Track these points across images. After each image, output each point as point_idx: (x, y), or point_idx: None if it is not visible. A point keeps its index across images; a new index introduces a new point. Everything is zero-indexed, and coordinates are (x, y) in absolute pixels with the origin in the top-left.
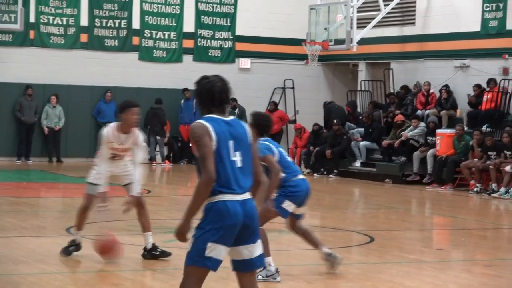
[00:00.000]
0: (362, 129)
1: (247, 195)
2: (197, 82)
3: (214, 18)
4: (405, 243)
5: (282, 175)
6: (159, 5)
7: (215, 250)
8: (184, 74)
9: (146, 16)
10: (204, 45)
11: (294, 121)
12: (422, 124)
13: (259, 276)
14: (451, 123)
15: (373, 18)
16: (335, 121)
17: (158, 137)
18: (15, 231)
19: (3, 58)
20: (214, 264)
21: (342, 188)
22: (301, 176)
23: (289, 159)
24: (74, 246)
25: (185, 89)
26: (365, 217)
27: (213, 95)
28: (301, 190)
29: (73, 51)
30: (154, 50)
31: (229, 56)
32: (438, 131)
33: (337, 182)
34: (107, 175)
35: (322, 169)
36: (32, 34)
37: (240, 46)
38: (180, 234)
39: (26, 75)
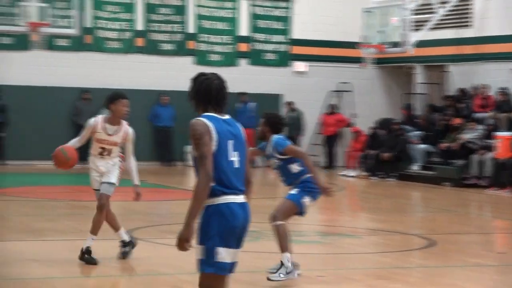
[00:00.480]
0: (419, 132)
1: (244, 197)
2: (194, 79)
3: (269, 21)
4: (466, 246)
5: (298, 168)
6: (214, 9)
7: (225, 254)
8: (240, 78)
9: (201, 20)
10: (259, 48)
11: (351, 125)
12: (480, 127)
13: (280, 275)
14: (510, 125)
15: (429, 21)
16: (395, 120)
17: None
18: (75, 234)
19: (60, 63)
20: (226, 268)
21: (401, 192)
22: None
23: None
24: (127, 245)
25: (242, 93)
26: (424, 220)
27: (210, 92)
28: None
29: (129, 56)
30: (209, 54)
31: (284, 59)
32: (497, 134)
33: (395, 185)
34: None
35: (380, 173)
36: (88, 38)
37: (295, 50)
38: (183, 241)
39: (82, 79)
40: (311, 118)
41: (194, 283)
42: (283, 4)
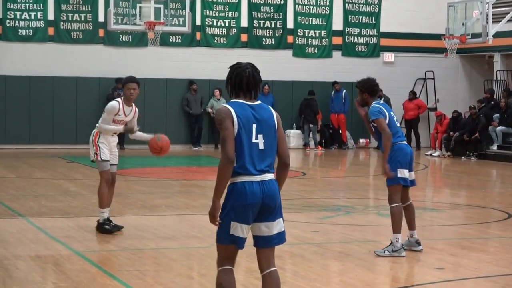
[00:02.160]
0: (498, 115)
1: (267, 176)
2: (230, 67)
3: (360, 16)
4: None
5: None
6: (311, 7)
7: (238, 228)
8: (334, 68)
9: (299, 17)
10: (352, 41)
11: (435, 109)
12: None
13: (385, 251)
14: None
15: (508, 13)
16: (472, 105)
17: (311, 125)
18: (187, 210)
19: (173, 57)
20: (239, 241)
21: (480, 169)
22: (404, 142)
23: (398, 124)
24: (108, 223)
25: (335, 82)
26: (502, 195)
27: (241, 80)
28: (406, 153)
29: (235, 50)
30: (307, 47)
31: (375, 51)
32: None
33: (475, 164)
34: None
35: (468, 152)
36: (198, 35)
37: (384, 42)
38: (210, 216)
39: (194, 72)
40: (398, 104)
41: (291, 253)
42: (374, 1)
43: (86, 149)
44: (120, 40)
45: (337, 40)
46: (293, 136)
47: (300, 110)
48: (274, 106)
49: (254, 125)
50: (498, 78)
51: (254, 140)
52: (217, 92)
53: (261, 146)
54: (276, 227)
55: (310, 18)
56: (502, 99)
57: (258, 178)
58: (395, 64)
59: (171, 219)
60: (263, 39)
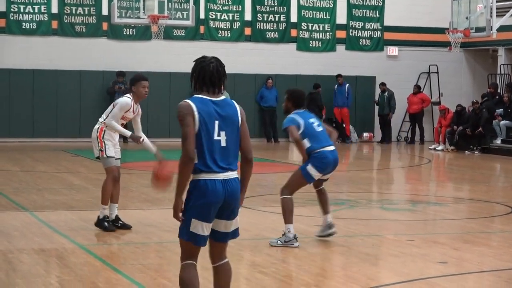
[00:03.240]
0: (502, 109)
1: (230, 174)
2: (194, 61)
3: (364, 10)
4: None
5: (307, 145)
6: (314, 0)
7: (198, 226)
8: (337, 62)
9: (303, 10)
10: (355, 35)
11: (438, 103)
12: None
13: (278, 242)
14: None
15: (511, 7)
16: (474, 100)
17: None
18: None
19: (177, 51)
20: (199, 239)
21: (484, 164)
22: (329, 148)
23: (320, 129)
24: (108, 220)
25: (339, 75)
26: (506, 189)
27: (204, 74)
28: (328, 161)
29: (238, 43)
30: (310, 41)
31: (378, 44)
32: None
33: (479, 158)
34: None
35: (471, 146)
36: (202, 29)
37: (388, 36)
38: (173, 212)
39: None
40: (402, 98)
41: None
42: None
43: (90, 142)
44: (124, 33)
45: (341, 34)
46: None
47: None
48: (278, 100)
49: (217, 122)
50: (502, 72)
51: (216, 137)
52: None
53: (223, 143)
54: (233, 225)
55: (314, 12)
56: (505, 93)
57: (221, 176)
58: (399, 58)
59: None
60: (267, 32)
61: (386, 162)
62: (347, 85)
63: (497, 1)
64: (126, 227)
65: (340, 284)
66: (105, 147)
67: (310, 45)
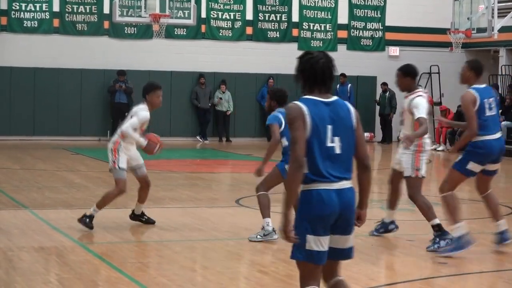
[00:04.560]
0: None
1: (345, 183)
2: (300, 57)
3: (366, 10)
4: None
5: (285, 143)
6: (316, 0)
7: (315, 242)
8: (339, 62)
9: (305, 10)
10: (357, 35)
11: (439, 103)
12: None
13: (258, 236)
14: None
15: None
16: None
17: None
18: (191, 202)
19: (178, 50)
20: (318, 257)
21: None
22: None
23: None
24: (89, 218)
25: (342, 75)
26: (506, 190)
27: (315, 72)
28: None
29: (240, 43)
30: (312, 41)
31: (380, 45)
32: None
33: None
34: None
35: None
36: (203, 28)
37: (389, 36)
38: (283, 233)
39: (198, 64)
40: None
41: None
42: None
43: (91, 140)
44: (125, 32)
45: (342, 34)
46: None
47: None
48: None
49: (330, 126)
50: (503, 73)
51: (329, 144)
52: (222, 86)
53: (338, 150)
54: (349, 241)
55: (316, 12)
56: (507, 94)
57: (336, 185)
58: (400, 58)
59: (175, 212)
60: (268, 32)
61: (386, 162)
62: (350, 85)
63: (498, 2)
64: (150, 221)
65: None
66: (118, 158)
67: (312, 45)
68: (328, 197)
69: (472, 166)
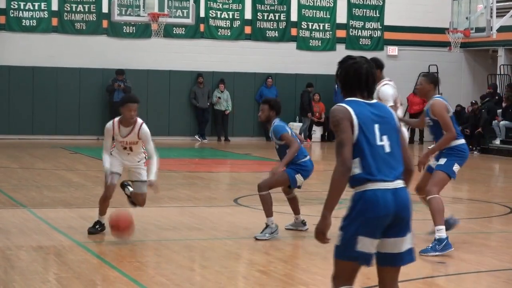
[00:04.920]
0: (501, 109)
1: (399, 183)
2: (342, 62)
3: (364, 10)
4: None
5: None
6: None
7: (366, 244)
8: (337, 61)
9: (303, 9)
10: (355, 34)
11: None
12: None
13: (266, 235)
14: None
15: (511, 8)
16: (473, 101)
17: (303, 118)
18: (190, 201)
19: (177, 49)
20: (365, 258)
21: (483, 164)
22: (308, 157)
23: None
24: (100, 225)
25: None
26: (505, 190)
27: (359, 77)
28: (309, 169)
29: (238, 42)
30: (310, 40)
31: (378, 44)
32: None
33: (478, 158)
34: (121, 166)
35: (471, 147)
36: (202, 27)
37: (388, 35)
38: (320, 234)
39: (197, 64)
40: (402, 98)
41: (293, 245)
42: None
43: (89, 140)
44: (124, 31)
45: (341, 33)
46: (295, 129)
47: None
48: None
49: (377, 125)
50: (502, 73)
51: (379, 142)
52: (221, 85)
53: (388, 149)
54: (406, 243)
55: (314, 11)
56: (505, 93)
57: (391, 185)
58: (399, 58)
59: (173, 211)
60: (267, 31)
61: None
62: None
63: (497, 2)
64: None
65: None
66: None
67: (310, 44)
68: (384, 197)
69: (456, 168)
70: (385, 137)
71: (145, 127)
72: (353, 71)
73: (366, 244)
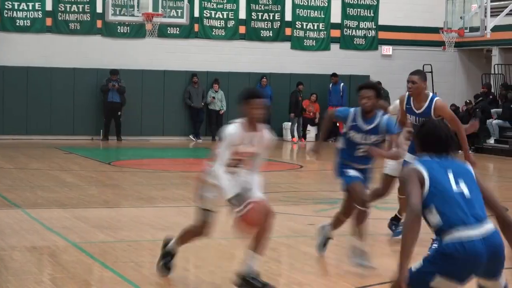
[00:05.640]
0: (495, 108)
1: (488, 226)
2: (423, 125)
3: (359, 9)
4: None
5: None
6: None
7: (444, 284)
8: (332, 61)
9: (297, 9)
10: (350, 34)
11: None
12: None
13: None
14: None
15: (506, 7)
16: (467, 101)
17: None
18: (184, 201)
19: (171, 49)
20: None
21: (478, 163)
22: None
23: None
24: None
25: (333, 75)
26: (499, 188)
27: (439, 142)
28: None
29: (233, 42)
30: (305, 40)
31: (373, 44)
32: None
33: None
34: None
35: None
36: (196, 27)
37: (382, 35)
38: (396, 286)
39: (191, 63)
40: (396, 97)
41: (288, 245)
42: None
43: (84, 140)
44: (118, 31)
45: (335, 33)
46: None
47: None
48: (272, 99)
49: (451, 172)
50: (496, 72)
51: (454, 189)
52: (215, 85)
53: (467, 196)
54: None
55: (309, 11)
56: (500, 93)
57: (477, 231)
58: (393, 57)
59: (168, 211)
60: (261, 31)
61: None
62: (342, 84)
63: (491, 1)
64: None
65: (333, 283)
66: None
67: (305, 44)
68: (472, 248)
69: None
70: (461, 183)
71: (268, 131)
72: (431, 136)
73: (444, 285)
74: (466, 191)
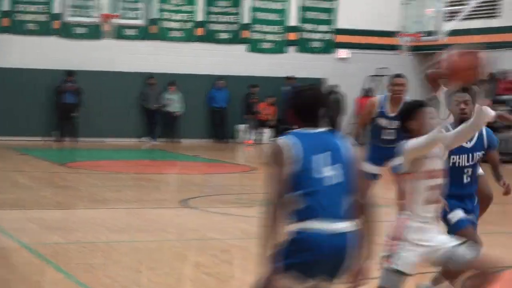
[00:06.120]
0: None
1: (342, 225)
2: (291, 93)
3: (316, 13)
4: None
5: None
6: (267, 2)
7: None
8: (288, 64)
9: (255, 12)
10: (307, 37)
11: None
12: (504, 107)
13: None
14: None
15: (460, 12)
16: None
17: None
18: (137, 203)
19: (128, 50)
20: None
21: None
22: None
23: None
24: None
25: (289, 77)
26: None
27: (304, 106)
28: None
29: (190, 44)
30: (262, 42)
31: (329, 47)
32: None
33: None
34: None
35: None
36: (154, 28)
37: (339, 38)
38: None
39: (148, 65)
40: (352, 101)
41: (240, 247)
42: None
43: (36, 140)
44: (76, 32)
45: (292, 36)
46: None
47: None
48: (228, 101)
49: (322, 156)
50: None
51: (321, 174)
52: (172, 87)
53: (334, 181)
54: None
55: (266, 14)
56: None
57: (332, 226)
58: (350, 61)
59: (122, 213)
60: (218, 33)
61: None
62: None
63: (447, 6)
64: None
65: None
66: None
67: (261, 47)
68: (323, 240)
69: None
70: (331, 168)
71: None
72: (299, 101)
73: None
74: (333, 177)
